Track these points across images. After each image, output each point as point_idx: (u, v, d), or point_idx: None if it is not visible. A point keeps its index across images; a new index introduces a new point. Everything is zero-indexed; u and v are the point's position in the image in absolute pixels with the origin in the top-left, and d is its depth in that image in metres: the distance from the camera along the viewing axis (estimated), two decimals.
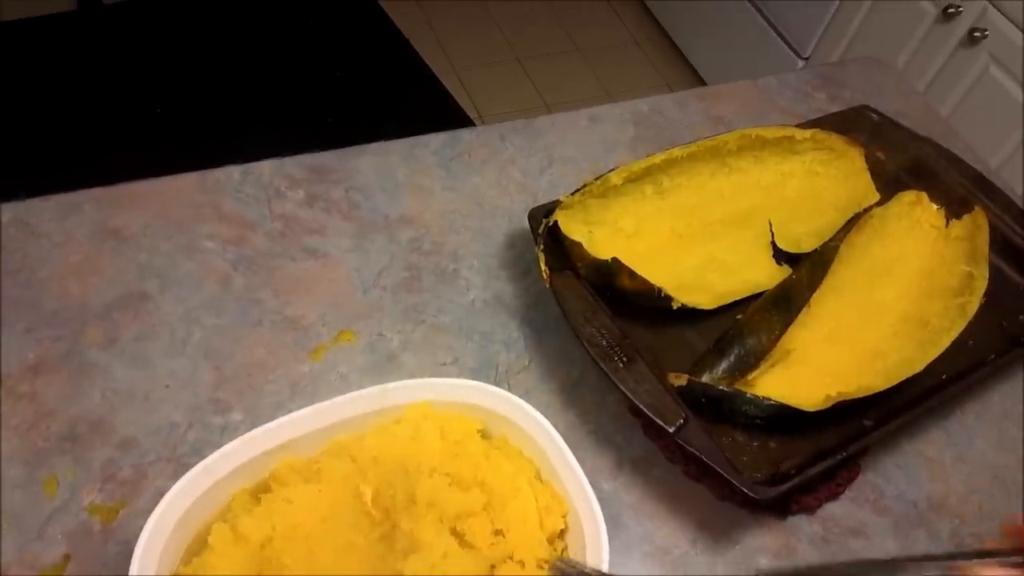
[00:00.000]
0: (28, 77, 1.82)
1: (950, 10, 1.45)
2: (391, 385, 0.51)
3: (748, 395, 0.57)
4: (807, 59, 1.83)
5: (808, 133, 0.75)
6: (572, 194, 0.65)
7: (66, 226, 0.64)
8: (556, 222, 0.64)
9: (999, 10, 1.40)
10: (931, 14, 1.52)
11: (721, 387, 0.58)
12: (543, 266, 0.62)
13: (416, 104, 2.08)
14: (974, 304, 0.65)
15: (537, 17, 2.37)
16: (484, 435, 0.53)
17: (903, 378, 0.60)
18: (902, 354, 0.64)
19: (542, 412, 0.60)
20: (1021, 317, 0.71)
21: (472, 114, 2.07)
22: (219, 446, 0.54)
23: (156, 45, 1.99)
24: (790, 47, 1.86)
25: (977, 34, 1.42)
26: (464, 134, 0.78)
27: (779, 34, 1.89)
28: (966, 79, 1.47)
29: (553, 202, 0.66)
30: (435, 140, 0.77)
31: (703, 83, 2.18)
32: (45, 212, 0.64)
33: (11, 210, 0.63)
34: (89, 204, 0.65)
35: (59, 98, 1.80)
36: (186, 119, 1.85)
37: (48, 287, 0.60)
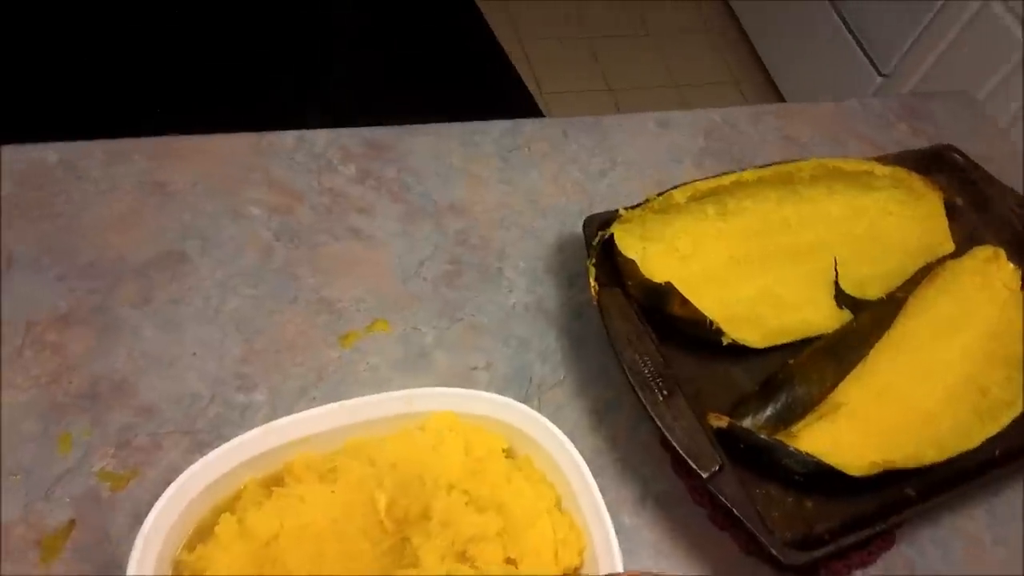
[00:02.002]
0: (86, 21, 1.79)
1: None
2: (418, 391, 0.50)
3: (790, 449, 0.54)
4: (886, 76, 1.76)
5: (888, 170, 0.71)
6: (632, 208, 0.62)
7: (113, 173, 0.62)
8: (611, 235, 0.61)
9: None
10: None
11: (763, 436, 0.55)
12: (593, 281, 0.60)
13: (477, 71, 2.04)
14: None
15: None
16: (509, 453, 0.51)
17: (955, 453, 0.56)
18: (957, 421, 0.61)
19: (570, 432, 0.58)
20: None
21: (532, 87, 2.03)
22: (238, 425, 0.53)
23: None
24: (871, 61, 1.79)
25: None
26: (527, 125, 0.75)
27: (860, 46, 1.82)
28: None
29: (610, 212, 0.63)
30: (496, 128, 0.74)
31: (772, 84, 2.12)
32: (93, 157, 0.63)
33: (60, 151, 0.62)
34: (139, 154, 0.64)
35: (116, 44, 1.77)
36: (246, 77, 1.82)
37: (87, 236, 0.59)
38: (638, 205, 0.62)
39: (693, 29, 2.29)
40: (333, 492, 0.47)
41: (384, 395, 0.49)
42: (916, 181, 0.73)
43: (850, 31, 1.84)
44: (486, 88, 2.02)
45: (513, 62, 2.06)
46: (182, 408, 0.53)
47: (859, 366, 0.62)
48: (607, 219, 0.63)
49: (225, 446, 0.45)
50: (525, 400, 0.59)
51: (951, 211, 0.75)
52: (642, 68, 2.17)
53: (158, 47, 1.78)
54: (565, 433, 0.52)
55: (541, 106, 2.00)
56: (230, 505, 0.46)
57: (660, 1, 2.32)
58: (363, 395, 0.55)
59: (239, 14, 1.93)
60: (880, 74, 1.78)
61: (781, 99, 2.09)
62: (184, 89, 1.72)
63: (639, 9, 2.30)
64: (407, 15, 2.07)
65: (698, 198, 0.65)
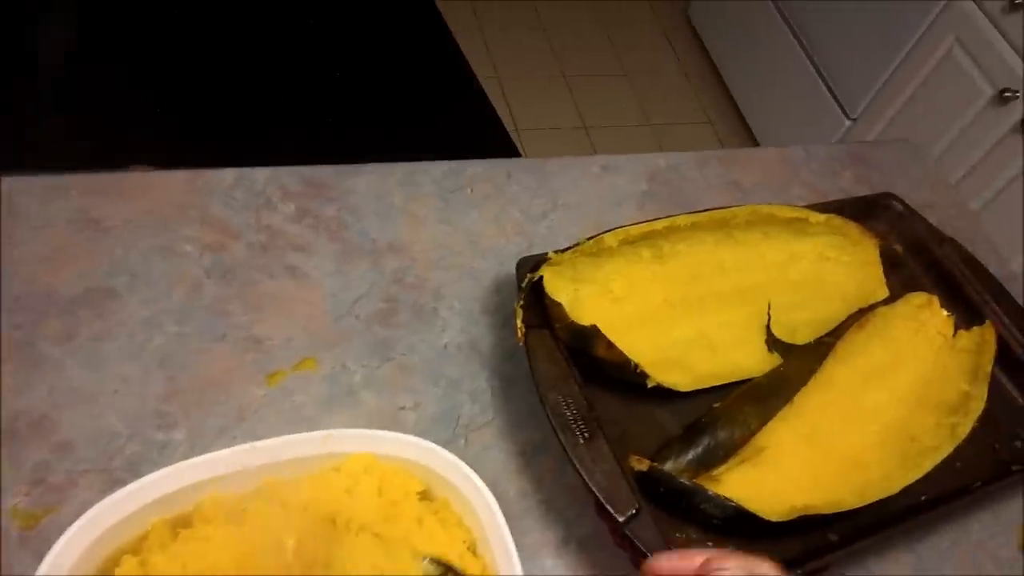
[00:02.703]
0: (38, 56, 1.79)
1: (1006, 94, 1.41)
2: (335, 432, 0.50)
3: (709, 493, 0.54)
4: (855, 120, 1.79)
5: (823, 217, 0.72)
6: (562, 251, 0.63)
7: (48, 209, 0.63)
8: (541, 277, 0.62)
9: None
10: (987, 94, 1.47)
11: (682, 480, 0.55)
12: (519, 323, 0.60)
13: (454, 108, 2.07)
14: (965, 427, 0.62)
15: (589, 37, 2.34)
16: (426, 496, 0.51)
17: (877, 498, 0.57)
18: (883, 468, 0.61)
19: (496, 474, 0.58)
20: (1016, 443, 0.68)
21: (508, 124, 2.05)
22: (155, 463, 0.53)
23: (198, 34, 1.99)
24: (839, 104, 1.82)
25: None
26: (470, 166, 0.76)
27: (830, 90, 1.85)
28: (1011, 168, 1.42)
29: (542, 255, 0.64)
30: (438, 168, 0.75)
31: (745, 124, 2.15)
32: (30, 192, 0.63)
33: None
34: (76, 189, 0.64)
35: (63, 79, 1.77)
36: (228, 113, 1.84)
37: (18, 271, 0.59)
38: (568, 248, 0.63)
39: (668, 70, 2.33)
40: (241, 534, 0.47)
41: (299, 436, 0.49)
42: (851, 228, 0.74)
43: (820, 75, 1.88)
44: (463, 125, 2.04)
45: (490, 99, 2.08)
46: (100, 446, 0.53)
47: (784, 410, 0.62)
48: (540, 261, 0.64)
49: (131, 486, 0.45)
50: (452, 440, 0.60)
51: (889, 258, 0.76)
52: (617, 107, 2.20)
53: (109, 81, 1.79)
54: (491, 474, 0.52)
55: (517, 143, 2.03)
56: (135, 546, 0.46)
57: (636, 42, 2.36)
58: (285, 434, 0.55)
59: (223, 40, 1.96)
60: (849, 118, 1.81)
61: (753, 139, 2.12)
62: (137, 124, 1.73)
63: (615, 49, 2.33)
64: (385, 49, 2.10)
65: (631, 242, 0.66)
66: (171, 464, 0.47)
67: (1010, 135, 1.44)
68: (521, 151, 2.00)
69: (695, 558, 0.43)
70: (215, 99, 1.84)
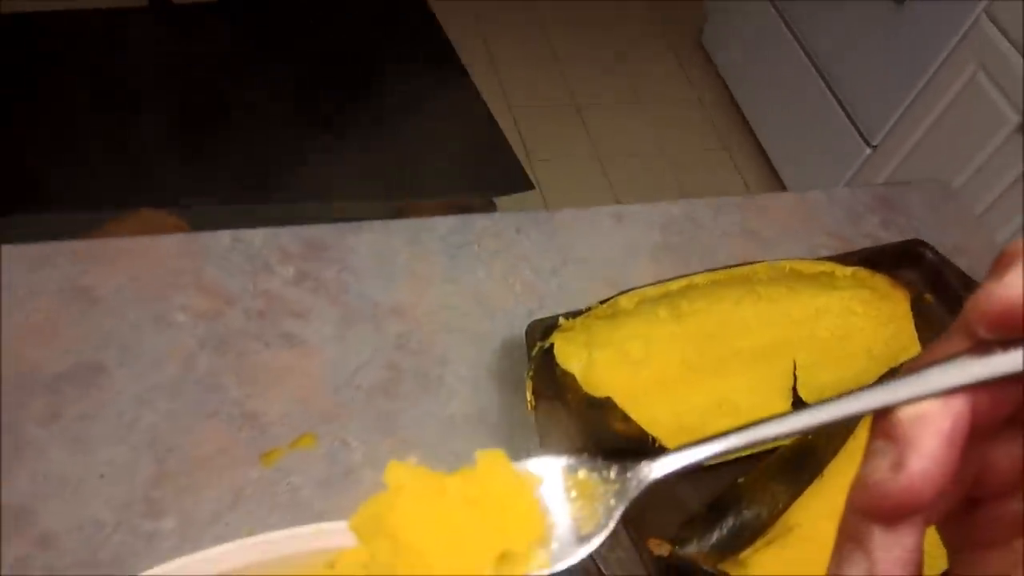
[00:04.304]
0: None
1: None
2: (326, 526, 0.46)
3: None
4: (875, 147, 1.75)
5: (849, 271, 0.68)
6: (573, 316, 0.59)
7: (35, 279, 0.60)
8: (552, 344, 0.59)
9: None
10: (1012, 122, 1.43)
11: (705, 568, 0.51)
12: (529, 395, 0.57)
13: (467, 141, 2.05)
14: None
15: (601, 65, 2.32)
16: None
17: None
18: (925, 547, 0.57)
19: None
20: None
21: (520, 153, 2.03)
22: (143, 556, 0.50)
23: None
24: (859, 131, 1.78)
25: None
26: (477, 221, 0.73)
27: (849, 117, 1.81)
28: None
29: (553, 319, 0.61)
30: (444, 224, 0.72)
31: (762, 151, 2.11)
32: (16, 261, 0.60)
33: None
34: (64, 258, 0.61)
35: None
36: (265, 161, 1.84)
37: (3, 347, 0.56)
38: (580, 313, 0.60)
39: (682, 97, 2.30)
40: None
41: (287, 532, 0.46)
42: (880, 281, 0.70)
43: (839, 101, 1.84)
44: (476, 157, 2.02)
45: (503, 129, 2.06)
46: (84, 536, 0.50)
47: (814, 484, 0.58)
48: (551, 324, 0.60)
49: None
50: None
51: (921, 309, 0.72)
52: (631, 135, 2.17)
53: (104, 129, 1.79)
54: None
55: (531, 174, 2.00)
56: None
57: (649, 69, 2.34)
58: (280, 519, 0.52)
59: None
60: (869, 145, 1.77)
61: (771, 166, 2.09)
62: (147, 172, 1.72)
63: (629, 78, 2.31)
64: (397, 83, 2.09)
65: (647, 302, 0.63)
66: (159, 555, 0.44)
67: None
68: (535, 182, 1.98)
69: None
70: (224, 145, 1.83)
